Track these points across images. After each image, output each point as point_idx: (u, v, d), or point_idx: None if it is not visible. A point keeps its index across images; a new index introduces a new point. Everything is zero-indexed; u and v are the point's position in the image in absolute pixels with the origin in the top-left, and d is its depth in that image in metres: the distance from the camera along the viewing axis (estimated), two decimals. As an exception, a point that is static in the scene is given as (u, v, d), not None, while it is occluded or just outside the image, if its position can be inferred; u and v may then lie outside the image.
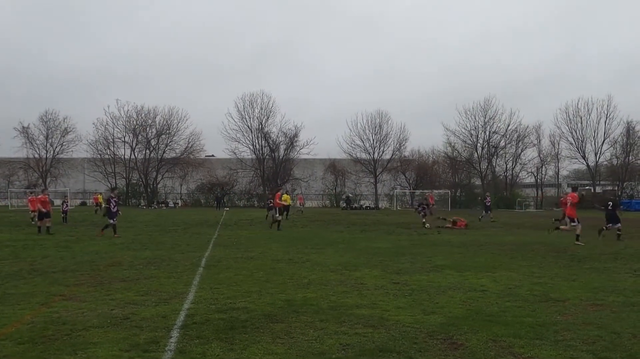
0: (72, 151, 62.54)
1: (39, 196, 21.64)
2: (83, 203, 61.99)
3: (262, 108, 62.12)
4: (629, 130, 59.12)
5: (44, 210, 20.11)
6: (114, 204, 19.05)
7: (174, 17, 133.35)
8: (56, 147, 61.81)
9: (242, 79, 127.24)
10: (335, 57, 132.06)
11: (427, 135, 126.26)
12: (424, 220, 24.65)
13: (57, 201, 40.82)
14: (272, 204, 32.49)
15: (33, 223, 25.15)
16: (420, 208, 25.68)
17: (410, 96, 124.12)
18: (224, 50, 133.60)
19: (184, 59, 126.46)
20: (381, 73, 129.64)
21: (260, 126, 62.22)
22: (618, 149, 60.15)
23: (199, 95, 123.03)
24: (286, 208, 31.26)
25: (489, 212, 29.89)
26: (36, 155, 61.43)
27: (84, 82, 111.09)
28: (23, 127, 60.37)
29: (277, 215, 22.60)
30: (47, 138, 61.64)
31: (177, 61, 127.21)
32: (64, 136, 61.76)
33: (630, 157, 59.82)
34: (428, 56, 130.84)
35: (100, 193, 43.90)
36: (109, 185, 61.54)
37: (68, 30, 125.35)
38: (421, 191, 62.43)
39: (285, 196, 32.54)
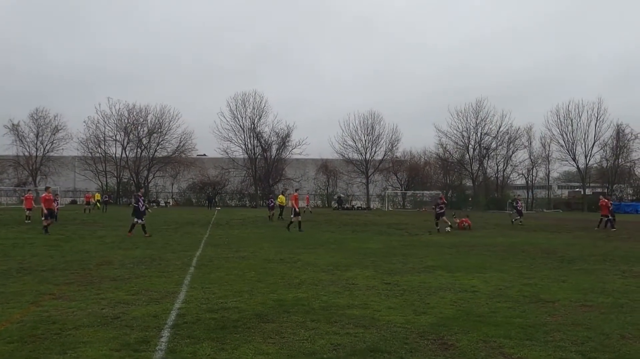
0: (62, 149, 62.33)
1: (43, 195, 20.76)
2: (73, 202, 61.64)
3: (254, 108, 62.22)
4: (619, 132, 59.70)
5: (45, 209, 19.56)
6: (142, 203, 18.99)
7: (174, 17, 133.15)
8: (46, 145, 61.44)
9: (240, 79, 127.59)
10: (333, 58, 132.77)
11: (420, 137, 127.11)
12: (447, 225, 22.50)
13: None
14: (273, 204, 32.81)
15: (27, 221, 24.88)
16: (438, 209, 23.00)
17: (408, 96, 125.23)
18: (222, 50, 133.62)
19: (181, 59, 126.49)
20: (379, 74, 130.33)
21: (252, 125, 62.23)
22: (608, 152, 60.78)
23: (196, 95, 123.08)
24: (281, 208, 31.47)
25: (521, 216, 29.62)
26: (26, 153, 61.00)
27: (83, 81, 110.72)
28: (13, 125, 59.96)
29: (299, 216, 22.33)
30: (37, 136, 61.24)
31: (174, 61, 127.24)
32: (54, 134, 61.44)
33: (620, 160, 60.39)
34: (425, 57, 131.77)
35: (97, 192, 43.52)
36: (100, 183, 61.20)
37: (66, 30, 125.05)
38: (412, 191, 62.72)
39: (280, 197, 32.71)
